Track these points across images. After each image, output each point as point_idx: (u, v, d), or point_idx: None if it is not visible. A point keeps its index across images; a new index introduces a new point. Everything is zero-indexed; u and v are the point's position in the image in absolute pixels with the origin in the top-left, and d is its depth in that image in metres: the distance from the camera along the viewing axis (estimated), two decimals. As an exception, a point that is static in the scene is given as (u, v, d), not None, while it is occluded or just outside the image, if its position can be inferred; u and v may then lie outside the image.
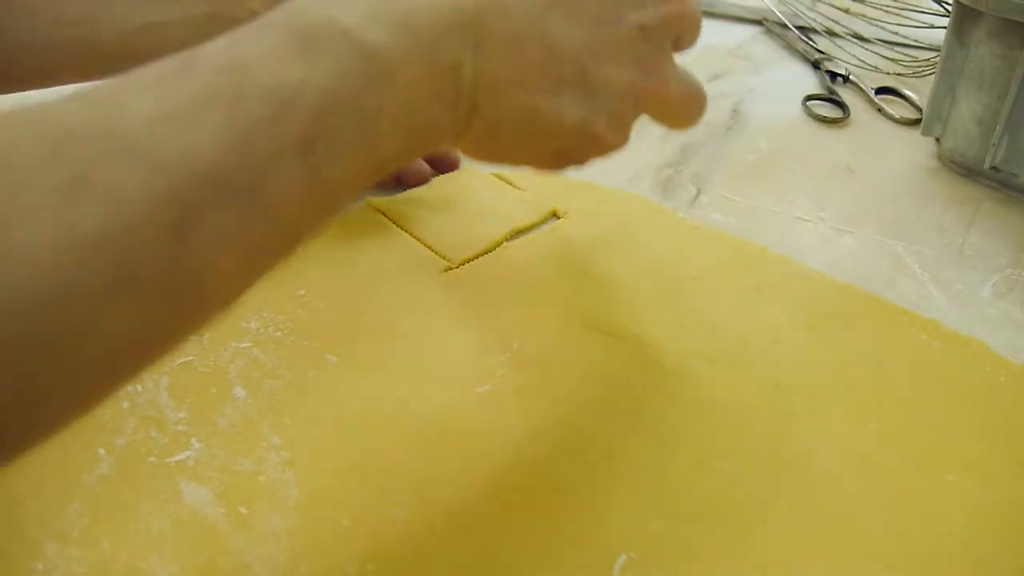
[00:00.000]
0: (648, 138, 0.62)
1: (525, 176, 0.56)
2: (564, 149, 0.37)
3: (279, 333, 0.43)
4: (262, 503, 0.35)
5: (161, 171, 0.23)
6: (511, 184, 0.56)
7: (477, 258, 0.49)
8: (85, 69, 0.47)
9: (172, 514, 0.34)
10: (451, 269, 0.48)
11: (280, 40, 0.27)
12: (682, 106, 0.40)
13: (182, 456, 0.37)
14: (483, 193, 0.55)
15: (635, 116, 0.38)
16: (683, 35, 0.40)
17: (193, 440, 0.37)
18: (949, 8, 0.72)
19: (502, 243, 0.50)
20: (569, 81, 0.34)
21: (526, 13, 0.33)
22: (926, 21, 0.75)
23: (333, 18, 0.28)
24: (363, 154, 0.29)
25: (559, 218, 0.53)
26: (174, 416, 0.38)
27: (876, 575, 0.34)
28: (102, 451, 0.37)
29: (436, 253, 0.49)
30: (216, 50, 0.27)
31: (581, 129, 0.36)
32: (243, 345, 0.42)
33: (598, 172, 0.58)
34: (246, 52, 0.27)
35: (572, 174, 0.58)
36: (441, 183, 0.56)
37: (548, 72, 0.34)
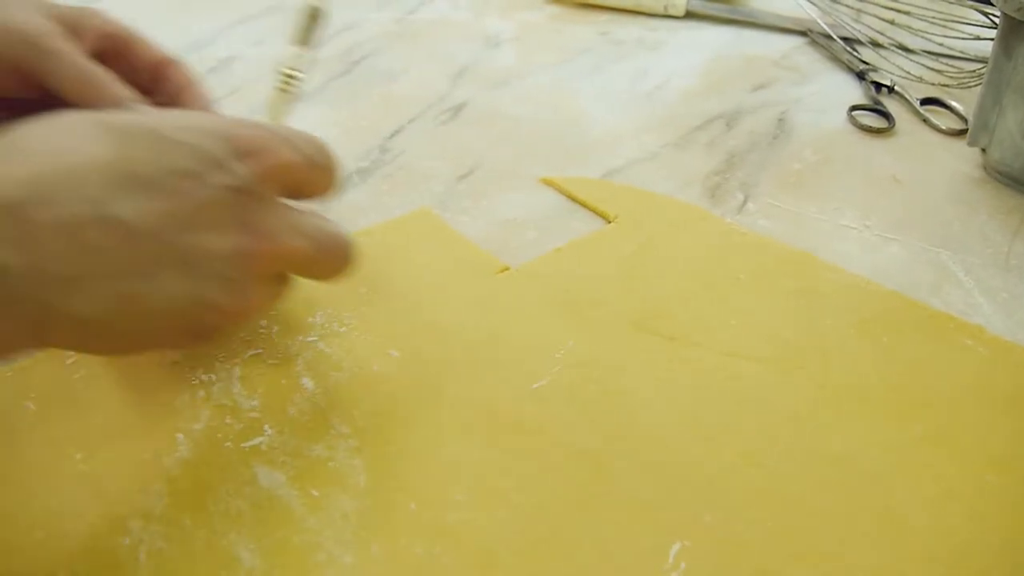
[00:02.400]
0: (695, 146, 0.64)
1: (579, 183, 0.58)
2: (186, 326, 0.34)
3: (343, 328, 0.45)
4: (333, 487, 0.37)
5: None
6: (566, 193, 0.58)
7: (530, 261, 0.51)
8: None
9: (249, 495, 0.36)
10: (506, 270, 0.50)
11: None
12: (318, 258, 0.37)
13: (256, 442, 0.39)
14: (537, 202, 0.57)
15: (257, 279, 0.35)
16: (303, 184, 0.37)
17: (266, 427, 0.39)
18: (995, 20, 0.73)
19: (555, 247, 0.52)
20: (160, 260, 0.32)
21: (81, 196, 0.30)
22: (972, 32, 0.75)
23: None
24: None
25: (611, 223, 0.54)
26: (247, 404, 0.40)
27: (920, 571, 0.35)
28: (181, 436, 0.39)
29: (491, 255, 0.51)
30: None
31: (192, 304, 0.33)
32: (309, 339, 0.44)
33: (648, 180, 0.59)
34: None
35: (618, 179, 0.59)
36: (494, 188, 0.58)
37: (128, 256, 0.31)
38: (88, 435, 0.39)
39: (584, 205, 0.56)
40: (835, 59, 0.78)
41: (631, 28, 0.83)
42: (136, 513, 0.36)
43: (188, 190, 0.33)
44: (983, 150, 0.63)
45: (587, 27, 0.83)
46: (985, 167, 0.63)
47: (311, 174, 0.37)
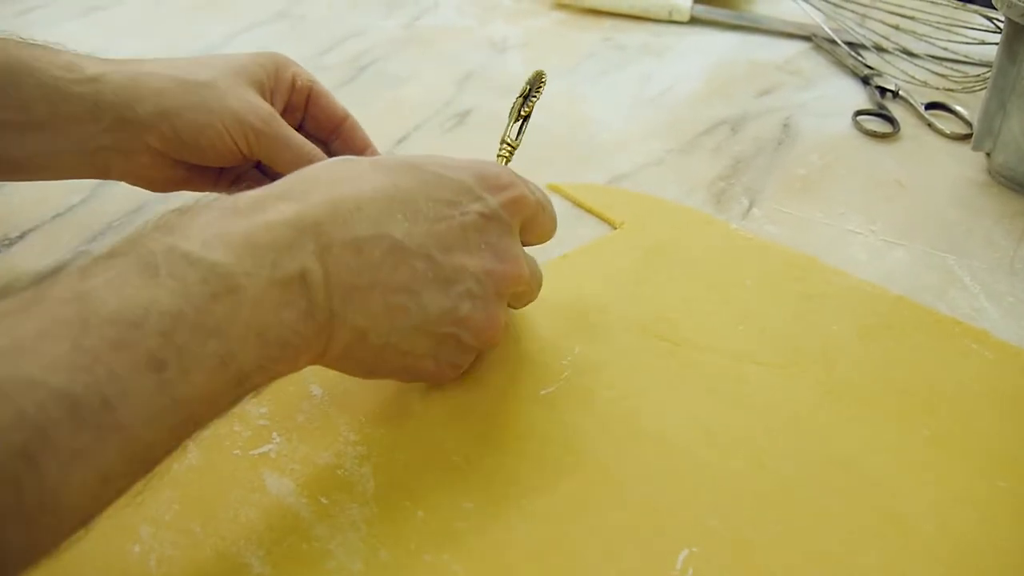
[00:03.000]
0: (701, 151, 0.64)
1: (585, 189, 0.58)
2: (441, 346, 0.38)
3: (351, 335, 0.45)
4: (342, 494, 0.37)
5: (7, 399, 0.25)
6: (572, 199, 0.58)
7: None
8: None
9: (258, 502, 0.37)
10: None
11: (125, 268, 0.29)
12: (532, 285, 0.42)
13: (265, 449, 0.39)
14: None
15: (499, 299, 0.39)
16: (532, 222, 0.41)
17: (274, 434, 0.40)
18: (999, 24, 0.73)
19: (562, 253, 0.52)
20: (424, 276, 0.36)
21: (365, 218, 0.35)
22: (976, 37, 0.75)
23: (174, 245, 0.30)
24: (217, 369, 0.30)
25: (617, 229, 0.54)
26: (255, 412, 0.41)
27: (927, 575, 0.35)
28: (190, 444, 0.39)
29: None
30: (65, 280, 0.28)
31: (449, 318, 0.37)
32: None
33: (654, 185, 0.60)
34: (92, 282, 0.28)
35: (628, 186, 0.59)
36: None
37: (399, 271, 0.35)
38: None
39: (591, 211, 0.56)
40: (839, 64, 0.78)
41: (636, 34, 0.83)
42: (146, 520, 0.36)
43: (450, 214, 0.38)
44: (988, 154, 0.63)
45: (592, 33, 0.83)
46: (990, 171, 0.63)
47: (541, 215, 0.42)
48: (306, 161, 0.47)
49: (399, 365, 0.38)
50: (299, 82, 0.50)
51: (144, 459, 0.29)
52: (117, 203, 0.56)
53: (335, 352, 0.35)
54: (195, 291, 0.29)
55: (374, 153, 0.53)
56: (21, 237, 0.53)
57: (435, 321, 0.37)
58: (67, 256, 0.52)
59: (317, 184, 0.35)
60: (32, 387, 0.25)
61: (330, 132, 0.52)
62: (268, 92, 0.49)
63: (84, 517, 0.28)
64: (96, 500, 0.28)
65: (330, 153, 0.51)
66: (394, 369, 0.38)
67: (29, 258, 0.51)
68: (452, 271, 0.37)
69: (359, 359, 0.37)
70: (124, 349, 0.27)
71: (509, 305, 0.42)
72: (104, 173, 0.48)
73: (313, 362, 0.35)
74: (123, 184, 0.49)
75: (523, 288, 0.41)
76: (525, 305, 0.44)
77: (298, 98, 0.51)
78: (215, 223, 0.32)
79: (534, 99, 0.48)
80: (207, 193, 0.50)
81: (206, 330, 0.29)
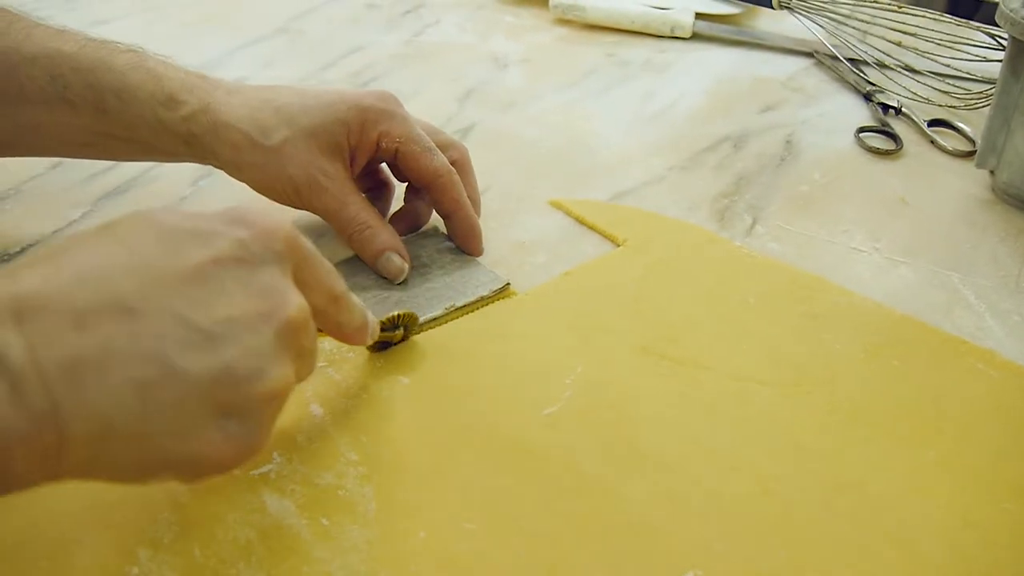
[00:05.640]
0: (703, 168, 0.64)
1: (587, 205, 0.58)
2: (222, 422, 0.31)
3: (351, 354, 0.45)
4: (343, 515, 0.36)
5: None
6: (574, 216, 0.58)
7: (540, 285, 0.51)
8: None
9: (257, 524, 0.36)
10: (513, 296, 0.50)
11: None
12: (339, 313, 0.38)
13: (265, 469, 0.39)
14: (546, 225, 0.57)
15: (281, 343, 0.33)
16: (301, 264, 0.35)
17: (275, 454, 0.39)
18: (1002, 41, 0.73)
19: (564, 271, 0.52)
20: (176, 339, 0.30)
21: (88, 289, 0.30)
22: (979, 54, 0.75)
23: None
24: None
25: (619, 246, 0.54)
26: (256, 431, 0.40)
27: (937, 599, 0.35)
28: (189, 463, 0.39)
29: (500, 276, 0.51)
30: None
31: (224, 380, 0.31)
32: (319, 365, 0.44)
33: (656, 202, 0.59)
34: None
35: (629, 201, 0.59)
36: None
37: (141, 341, 0.30)
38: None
39: (593, 228, 0.56)
40: (842, 80, 0.78)
41: (638, 50, 0.83)
42: (145, 542, 0.35)
43: (193, 267, 0.32)
44: (991, 172, 0.62)
45: (594, 48, 0.83)
46: (994, 189, 0.62)
47: (312, 260, 0.37)
48: (353, 228, 0.50)
49: (177, 455, 0.31)
50: (384, 143, 0.51)
51: None
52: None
53: (79, 454, 0.29)
54: None
55: (466, 215, 0.53)
56: (21, 252, 0.52)
57: (205, 387, 0.31)
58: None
59: (35, 261, 0.30)
60: None
61: (424, 184, 0.53)
62: (348, 152, 0.51)
63: None
64: None
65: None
66: (173, 462, 0.31)
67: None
68: (212, 326, 0.31)
69: (117, 458, 0.30)
70: None
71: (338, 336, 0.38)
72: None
73: (47, 474, 0.29)
74: (125, 200, 0.50)
75: (324, 320, 0.37)
76: (342, 339, 0.40)
77: (385, 155, 0.52)
78: None
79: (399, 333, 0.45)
80: None
81: None
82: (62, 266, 0.30)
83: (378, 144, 0.51)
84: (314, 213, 0.51)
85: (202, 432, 0.31)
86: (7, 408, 0.27)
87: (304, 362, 0.36)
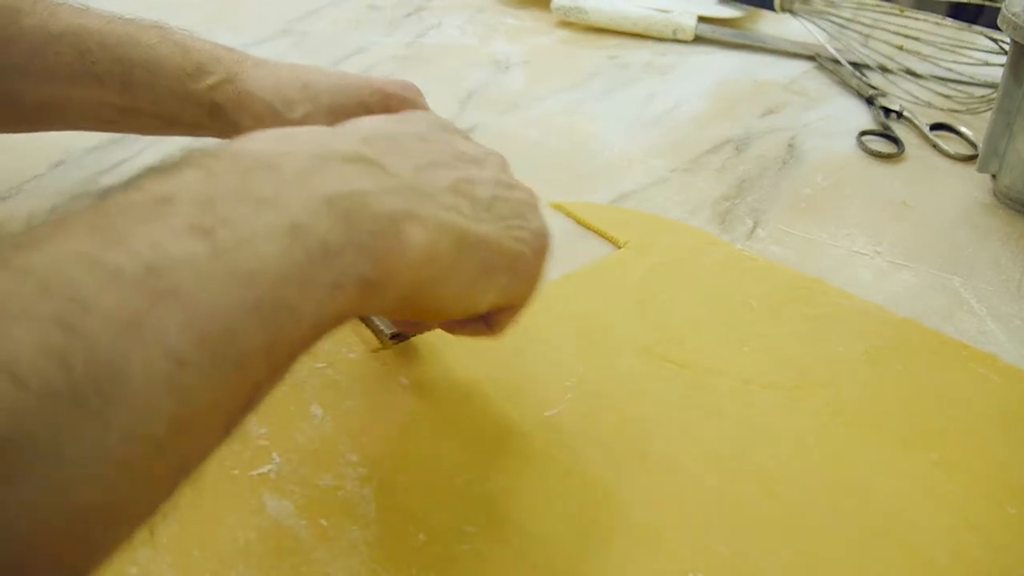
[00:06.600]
0: (705, 171, 0.64)
1: (588, 208, 0.58)
2: (504, 222, 0.36)
3: (352, 354, 0.45)
4: (342, 516, 0.36)
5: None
6: (576, 218, 0.57)
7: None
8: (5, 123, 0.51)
9: (257, 525, 0.36)
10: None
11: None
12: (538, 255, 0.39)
13: (264, 469, 0.38)
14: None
15: (524, 201, 0.38)
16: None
17: (274, 455, 0.39)
18: (1004, 46, 0.73)
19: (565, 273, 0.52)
20: (461, 155, 0.36)
21: (382, 128, 0.34)
22: (980, 58, 0.75)
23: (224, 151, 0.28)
24: (287, 239, 0.26)
25: (620, 248, 0.54)
26: (255, 431, 0.40)
27: (939, 603, 0.34)
28: (189, 463, 0.38)
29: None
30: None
31: (503, 184, 0.37)
32: (318, 365, 0.44)
33: (658, 204, 0.59)
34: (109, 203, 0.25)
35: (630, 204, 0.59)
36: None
37: (434, 147, 0.35)
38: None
39: (594, 230, 0.56)
40: (844, 84, 0.78)
41: (640, 52, 0.83)
42: (143, 542, 0.35)
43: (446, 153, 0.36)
44: (993, 176, 0.62)
45: (596, 51, 0.83)
46: (995, 193, 0.62)
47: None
48: None
49: (483, 260, 0.34)
50: None
51: (221, 339, 0.23)
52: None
53: (414, 256, 0.30)
54: (227, 169, 0.26)
55: None
56: (21, 253, 0.52)
57: (491, 186, 0.36)
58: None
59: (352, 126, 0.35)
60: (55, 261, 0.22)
61: None
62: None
63: (171, 413, 0.22)
64: (177, 390, 0.22)
65: None
66: (482, 267, 0.34)
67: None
68: (478, 155, 0.37)
69: (442, 264, 0.32)
70: (156, 221, 0.23)
71: (495, 326, 0.39)
72: None
73: (396, 276, 0.30)
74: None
75: (529, 209, 0.38)
76: (512, 316, 0.39)
77: None
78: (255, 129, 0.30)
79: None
80: None
81: (253, 199, 0.26)
82: (375, 122, 0.35)
83: None
84: None
85: (497, 231, 0.35)
86: (373, 183, 0.30)
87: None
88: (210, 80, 0.49)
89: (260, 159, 0.28)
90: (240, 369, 0.24)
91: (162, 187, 0.25)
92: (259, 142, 0.29)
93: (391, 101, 0.50)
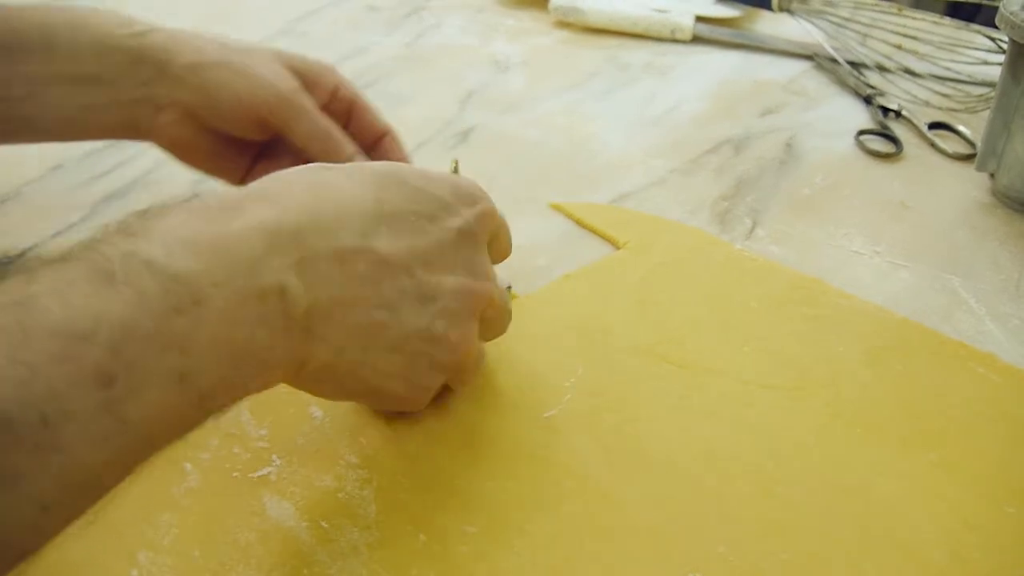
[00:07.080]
0: (704, 171, 0.64)
1: (588, 208, 0.58)
2: (409, 370, 0.37)
3: (352, 356, 0.45)
4: (342, 518, 0.36)
5: None
6: (575, 218, 0.58)
7: (540, 288, 0.51)
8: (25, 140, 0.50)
9: (257, 526, 0.36)
10: (515, 298, 0.50)
11: (76, 275, 0.26)
12: (502, 313, 0.41)
13: (265, 471, 0.39)
14: (547, 227, 0.57)
15: (472, 317, 0.38)
16: (493, 239, 0.41)
17: (274, 457, 0.39)
18: (1002, 45, 0.73)
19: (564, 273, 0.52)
20: (404, 292, 0.35)
21: (349, 230, 0.33)
22: (978, 57, 0.75)
23: (133, 250, 0.28)
24: (175, 387, 0.27)
25: (620, 249, 0.54)
26: (255, 434, 0.40)
27: (938, 603, 0.35)
28: (188, 466, 0.39)
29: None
30: (8, 285, 0.26)
31: (424, 336, 0.36)
32: (319, 367, 0.44)
33: (657, 205, 0.59)
34: (36, 288, 0.26)
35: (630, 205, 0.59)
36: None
37: (383, 287, 0.34)
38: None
39: (593, 231, 0.56)
40: (842, 83, 0.78)
41: (639, 53, 0.83)
42: (144, 544, 0.35)
43: (430, 229, 0.37)
44: (992, 175, 0.62)
45: (595, 52, 0.83)
46: (994, 192, 0.62)
47: (503, 232, 0.42)
48: (324, 136, 0.48)
49: (371, 386, 0.37)
50: (342, 91, 0.51)
51: (89, 485, 0.26)
52: (117, 221, 0.56)
53: (309, 370, 0.33)
54: (154, 302, 0.27)
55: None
56: (21, 255, 0.52)
57: (411, 339, 0.36)
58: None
59: (293, 188, 0.34)
60: None
61: (369, 146, 0.52)
62: (307, 85, 0.49)
63: (20, 551, 0.25)
64: (34, 531, 0.25)
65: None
66: (366, 391, 0.37)
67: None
68: (431, 288, 0.36)
69: (332, 379, 0.35)
70: (67, 362, 0.25)
71: (480, 337, 0.40)
72: (135, 130, 0.49)
73: (284, 380, 0.33)
74: (125, 203, 0.49)
75: (494, 312, 0.40)
76: (494, 337, 0.43)
77: (339, 106, 0.51)
78: (182, 226, 0.29)
79: None
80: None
81: (162, 344, 0.27)
82: (327, 204, 0.34)
83: (335, 92, 0.50)
84: (276, 121, 0.48)
85: (394, 373, 0.36)
86: (279, 340, 0.31)
87: (489, 326, 0.41)
88: (137, 27, 0.47)
89: (193, 288, 0.28)
90: (95, 496, 0.27)
91: (87, 306, 0.26)
92: (190, 256, 0.29)
93: (323, 66, 0.50)
